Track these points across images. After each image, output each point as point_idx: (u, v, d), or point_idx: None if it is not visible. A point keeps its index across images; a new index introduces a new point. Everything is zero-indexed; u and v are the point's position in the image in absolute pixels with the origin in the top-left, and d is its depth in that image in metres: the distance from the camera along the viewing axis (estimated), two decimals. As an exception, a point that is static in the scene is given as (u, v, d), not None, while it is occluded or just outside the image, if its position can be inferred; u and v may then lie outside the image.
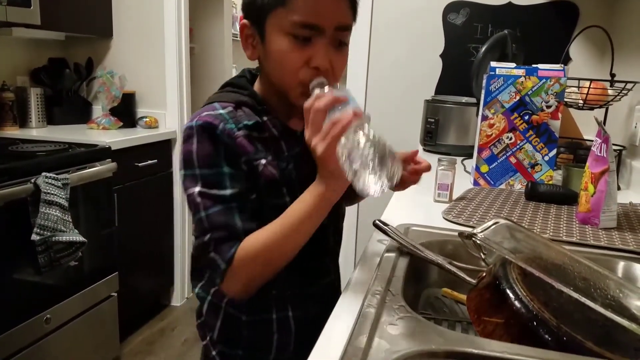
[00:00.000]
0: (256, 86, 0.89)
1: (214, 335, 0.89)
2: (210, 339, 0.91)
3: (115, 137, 2.23)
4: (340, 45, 0.81)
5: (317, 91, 0.75)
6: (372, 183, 0.66)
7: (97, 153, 2.05)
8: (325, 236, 0.91)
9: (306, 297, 0.89)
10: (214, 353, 0.90)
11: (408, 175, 0.96)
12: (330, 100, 0.72)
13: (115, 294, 2.18)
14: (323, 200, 0.76)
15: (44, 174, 1.69)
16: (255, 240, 0.77)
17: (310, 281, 0.91)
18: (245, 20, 0.83)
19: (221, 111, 0.80)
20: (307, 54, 0.77)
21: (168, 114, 2.64)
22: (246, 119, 0.81)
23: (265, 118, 0.84)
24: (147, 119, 2.57)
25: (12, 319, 1.66)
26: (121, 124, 2.52)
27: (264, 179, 0.81)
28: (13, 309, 1.67)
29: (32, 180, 1.67)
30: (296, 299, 0.88)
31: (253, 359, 0.89)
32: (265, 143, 0.83)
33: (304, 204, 0.77)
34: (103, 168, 2.03)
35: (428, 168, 0.97)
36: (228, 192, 0.77)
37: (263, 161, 0.81)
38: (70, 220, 1.76)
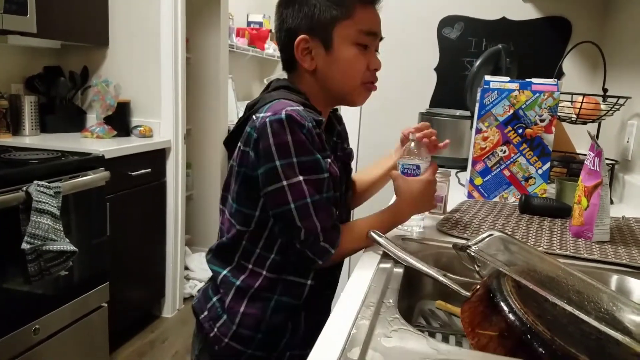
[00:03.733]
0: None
1: (235, 320, 0.94)
2: (224, 326, 0.95)
3: (109, 146, 2.23)
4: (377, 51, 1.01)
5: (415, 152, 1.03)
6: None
7: (90, 162, 2.04)
8: None
9: (327, 296, 1.05)
10: (226, 340, 0.94)
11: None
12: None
13: (106, 305, 2.16)
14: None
15: (35, 182, 1.68)
16: (352, 228, 0.95)
17: (333, 286, 1.06)
18: (304, 35, 0.93)
19: (298, 107, 0.87)
20: (367, 59, 0.96)
21: (163, 124, 2.64)
22: (315, 116, 0.90)
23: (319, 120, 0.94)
24: (142, 128, 2.57)
25: (-1, 329, 1.64)
26: (115, 132, 2.51)
27: (331, 177, 0.92)
28: (1, 319, 1.65)
29: (24, 188, 1.65)
30: (322, 289, 1.01)
31: (270, 341, 0.96)
32: (322, 139, 0.92)
33: (390, 218, 1.00)
34: (96, 177, 2.02)
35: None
36: (325, 175, 0.88)
37: (328, 160, 0.91)
38: (62, 229, 1.74)
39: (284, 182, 0.85)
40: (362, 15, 0.93)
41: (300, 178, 0.85)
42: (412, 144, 1.06)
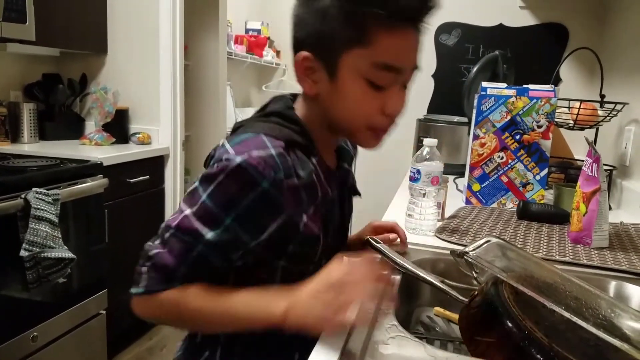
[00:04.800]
0: (299, 112, 0.80)
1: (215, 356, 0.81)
2: None
3: (108, 153, 2.22)
4: (405, 87, 0.77)
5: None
6: None
7: (89, 169, 2.04)
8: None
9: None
10: None
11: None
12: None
13: (104, 312, 2.15)
14: (274, 324, 0.67)
15: (34, 189, 1.68)
16: (191, 298, 0.70)
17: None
18: (307, 53, 0.73)
19: (272, 151, 0.69)
20: (382, 100, 0.73)
21: (161, 130, 2.64)
22: (299, 167, 0.72)
23: (314, 160, 0.76)
24: (140, 135, 2.57)
25: (-3, 337, 1.63)
26: (114, 139, 2.51)
27: (302, 237, 0.73)
28: (-1, 326, 1.64)
29: (22, 196, 1.65)
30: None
31: None
32: (310, 189, 0.74)
33: (256, 311, 0.69)
34: (94, 184, 2.02)
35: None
36: (210, 235, 0.69)
37: (304, 217, 0.73)
38: (60, 236, 1.74)
39: (180, 204, 0.72)
40: (385, 42, 0.69)
41: (187, 212, 0.70)
42: (426, 150, 1.07)
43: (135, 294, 0.73)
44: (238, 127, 0.80)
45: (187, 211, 0.70)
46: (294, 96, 0.83)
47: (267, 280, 0.75)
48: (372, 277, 0.64)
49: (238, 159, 0.68)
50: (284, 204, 0.70)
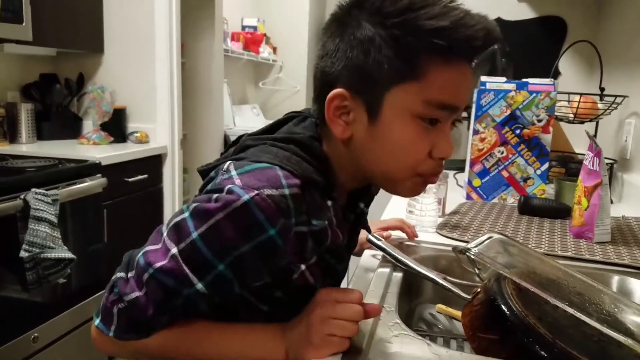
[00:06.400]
0: (326, 147, 0.69)
1: None
2: None
3: (106, 153, 2.22)
4: (453, 125, 0.67)
5: None
6: None
7: (87, 168, 2.04)
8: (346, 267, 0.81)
9: None
10: None
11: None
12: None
13: (105, 312, 2.14)
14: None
15: (33, 189, 1.67)
16: (172, 343, 0.64)
17: None
18: (342, 90, 0.62)
19: (286, 192, 0.58)
20: (431, 142, 0.63)
21: (158, 129, 2.63)
22: (314, 213, 0.62)
23: (330, 203, 0.66)
24: (138, 134, 2.56)
25: (-2, 338, 1.63)
26: (112, 139, 2.50)
27: (294, 285, 0.64)
28: (0, 327, 1.64)
29: (22, 196, 1.64)
30: None
31: None
32: (318, 237, 0.64)
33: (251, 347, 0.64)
34: (93, 184, 2.01)
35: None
36: (200, 285, 0.58)
37: (303, 267, 0.64)
38: (60, 236, 1.73)
39: (161, 239, 0.60)
40: (439, 77, 0.59)
41: (173, 250, 0.58)
42: None
43: (99, 328, 0.64)
44: (246, 147, 0.67)
45: (174, 250, 0.58)
46: (319, 119, 0.68)
47: (249, 320, 0.67)
48: (352, 314, 0.60)
49: (245, 197, 0.56)
50: (285, 252, 0.60)
